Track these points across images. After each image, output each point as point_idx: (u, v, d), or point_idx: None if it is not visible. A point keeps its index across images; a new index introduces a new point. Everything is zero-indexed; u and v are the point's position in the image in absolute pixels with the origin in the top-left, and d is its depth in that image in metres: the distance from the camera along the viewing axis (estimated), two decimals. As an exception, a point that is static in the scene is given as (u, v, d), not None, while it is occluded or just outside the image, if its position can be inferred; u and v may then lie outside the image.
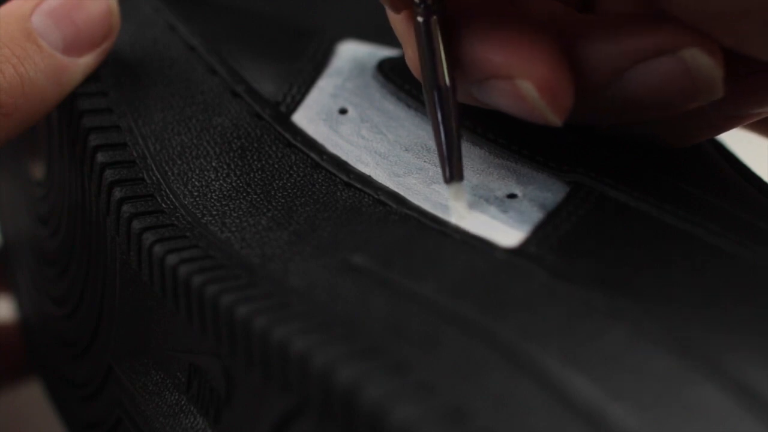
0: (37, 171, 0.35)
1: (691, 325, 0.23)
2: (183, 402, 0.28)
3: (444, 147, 0.26)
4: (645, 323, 0.22)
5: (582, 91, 0.25)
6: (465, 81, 0.26)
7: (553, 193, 0.27)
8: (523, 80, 0.24)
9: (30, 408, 0.43)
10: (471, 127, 0.29)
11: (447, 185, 0.26)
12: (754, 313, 0.23)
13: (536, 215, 0.26)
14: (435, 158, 0.28)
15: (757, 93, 0.26)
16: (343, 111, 0.30)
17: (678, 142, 0.28)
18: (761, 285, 0.24)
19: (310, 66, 0.31)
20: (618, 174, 0.27)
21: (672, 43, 0.24)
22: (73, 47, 0.30)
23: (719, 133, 0.28)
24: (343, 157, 0.29)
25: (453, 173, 0.26)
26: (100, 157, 0.29)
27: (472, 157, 0.28)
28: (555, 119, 0.24)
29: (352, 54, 0.32)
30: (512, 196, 0.27)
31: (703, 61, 0.24)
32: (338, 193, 0.28)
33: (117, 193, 0.28)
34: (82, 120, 0.30)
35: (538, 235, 0.25)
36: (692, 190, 0.27)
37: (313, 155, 0.29)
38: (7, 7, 0.30)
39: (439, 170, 0.28)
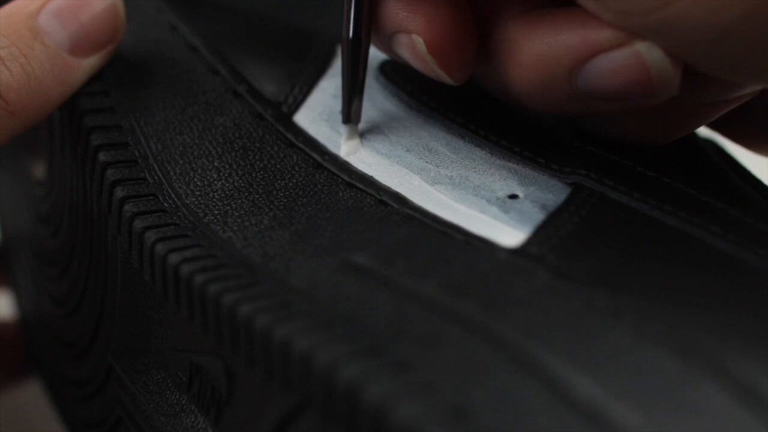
0: (38, 170, 0.35)
1: (692, 325, 0.23)
2: (184, 401, 0.28)
3: (347, 92, 0.29)
4: (646, 323, 0.22)
5: (551, 82, 0.26)
6: (382, 35, 0.28)
7: (554, 194, 0.27)
8: (417, 36, 0.27)
9: (30, 408, 0.43)
10: (474, 129, 0.29)
11: (344, 125, 0.29)
12: (755, 314, 0.23)
13: (538, 216, 0.26)
14: (437, 159, 0.28)
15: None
16: (344, 111, 0.30)
17: (663, 135, 0.28)
18: (762, 286, 0.24)
19: (312, 66, 0.31)
20: (619, 176, 0.27)
21: (628, 36, 0.24)
22: (78, 47, 0.30)
23: (702, 123, 0.28)
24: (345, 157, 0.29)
25: (351, 116, 0.29)
26: (102, 157, 0.29)
27: (474, 158, 0.28)
28: (445, 77, 0.27)
29: (354, 55, 0.32)
30: (514, 196, 0.27)
31: (656, 55, 0.24)
32: (340, 193, 0.28)
33: (119, 193, 0.28)
34: (84, 119, 0.30)
35: (539, 235, 0.25)
36: (693, 192, 0.27)
37: (314, 155, 0.29)
38: (13, 5, 0.30)
39: (441, 170, 0.28)
